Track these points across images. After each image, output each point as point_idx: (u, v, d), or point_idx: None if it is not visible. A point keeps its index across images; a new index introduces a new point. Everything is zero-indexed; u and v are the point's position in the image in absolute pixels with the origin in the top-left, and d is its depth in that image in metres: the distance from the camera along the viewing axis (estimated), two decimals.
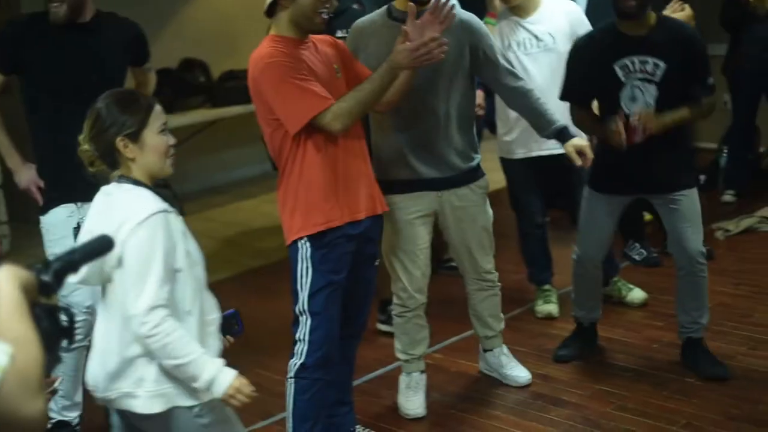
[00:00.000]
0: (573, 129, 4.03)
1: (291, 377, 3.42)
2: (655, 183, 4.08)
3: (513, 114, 4.50)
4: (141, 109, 2.59)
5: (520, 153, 4.77)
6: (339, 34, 4.89)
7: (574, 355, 4.47)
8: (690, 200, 4.07)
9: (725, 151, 7.10)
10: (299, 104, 3.17)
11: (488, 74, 3.91)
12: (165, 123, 2.65)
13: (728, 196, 6.86)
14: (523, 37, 4.61)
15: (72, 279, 2.36)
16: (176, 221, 2.58)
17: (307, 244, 3.32)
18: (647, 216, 5.96)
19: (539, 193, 4.91)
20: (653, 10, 3.97)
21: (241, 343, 4.97)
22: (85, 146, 2.61)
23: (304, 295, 3.34)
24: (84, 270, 2.25)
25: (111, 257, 2.43)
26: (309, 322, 3.36)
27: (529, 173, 4.82)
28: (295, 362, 3.40)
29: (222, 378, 2.52)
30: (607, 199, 4.16)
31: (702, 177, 7.06)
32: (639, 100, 3.93)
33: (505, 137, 4.79)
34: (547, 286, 5.05)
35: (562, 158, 4.20)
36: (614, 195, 4.16)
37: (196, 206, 8.11)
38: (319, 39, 3.44)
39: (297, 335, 3.39)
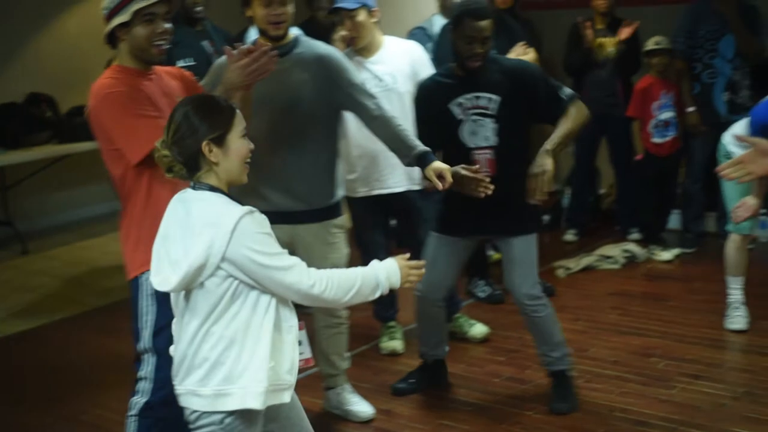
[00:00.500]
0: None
1: (133, 415, 3.32)
2: (497, 227, 4.20)
3: (355, 152, 4.57)
4: (225, 113, 2.64)
5: (361, 191, 4.82)
6: (180, 63, 4.87)
7: (412, 389, 4.52)
8: (526, 245, 4.20)
9: (567, 192, 7.35)
10: (139, 135, 3.12)
11: (350, 105, 3.96)
12: (245, 128, 2.68)
13: (570, 236, 7.09)
14: (365, 77, 4.68)
15: (163, 288, 2.60)
16: (261, 217, 2.64)
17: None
18: (495, 255, 6.14)
19: (382, 231, 4.97)
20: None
21: (78, 381, 4.93)
22: (165, 151, 2.62)
23: (147, 333, 3.26)
24: (176, 281, 2.55)
25: (208, 267, 2.54)
26: (153, 360, 3.28)
27: (371, 211, 4.88)
28: (139, 400, 3.31)
29: (391, 273, 2.74)
30: (452, 241, 4.25)
31: (546, 217, 7.31)
32: (479, 135, 4.05)
33: (348, 176, 4.84)
34: (392, 323, 5.10)
35: (404, 196, 4.28)
36: (459, 237, 4.26)
37: (40, 244, 7.91)
38: (165, 70, 3.42)
39: (140, 373, 3.31)
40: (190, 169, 2.64)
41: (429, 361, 4.54)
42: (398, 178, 4.71)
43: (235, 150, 2.64)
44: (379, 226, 4.94)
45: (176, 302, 2.72)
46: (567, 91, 4.16)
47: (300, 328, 2.82)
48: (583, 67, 6.85)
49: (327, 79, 3.85)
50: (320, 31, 5.19)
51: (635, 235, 6.88)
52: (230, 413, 2.61)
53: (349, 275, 2.69)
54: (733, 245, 5.14)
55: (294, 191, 3.88)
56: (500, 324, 5.27)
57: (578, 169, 7.16)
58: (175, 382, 2.73)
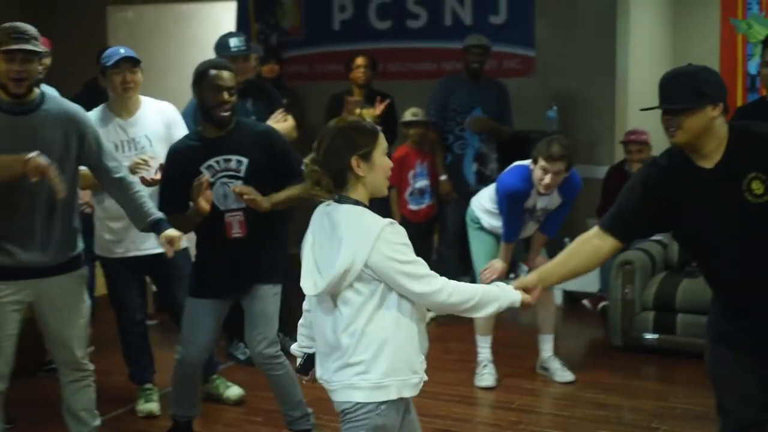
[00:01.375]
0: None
1: None
2: (245, 283, 4.27)
3: (113, 213, 4.55)
4: (370, 132, 2.92)
5: (118, 252, 4.79)
6: None
7: None
8: (269, 298, 4.31)
9: None
10: None
11: (93, 163, 3.93)
12: (386, 147, 2.96)
13: None
14: (121, 139, 4.68)
15: (311, 292, 2.87)
16: (401, 229, 2.88)
17: None
18: None
19: (138, 291, 4.94)
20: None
21: None
22: (314, 167, 2.89)
23: None
24: (323, 285, 2.82)
25: (352, 272, 2.79)
26: None
27: (128, 272, 4.84)
28: None
29: (510, 290, 3.01)
30: (208, 303, 4.29)
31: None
32: (230, 197, 4.12)
33: (105, 236, 4.79)
34: (148, 385, 5.03)
35: (160, 258, 4.28)
36: (213, 299, 4.29)
37: None
38: None
39: None
40: (337, 183, 2.89)
41: (182, 422, 4.50)
42: (154, 240, 4.70)
43: (380, 165, 2.91)
44: (134, 286, 4.91)
45: (318, 303, 2.94)
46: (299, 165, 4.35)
47: None
48: None
49: (76, 135, 3.83)
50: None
51: None
52: (384, 402, 2.88)
53: (471, 287, 2.95)
54: None
55: (47, 248, 3.81)
56: (259, 385, 5.26)
57: None
58: (323, 376, 2.97)
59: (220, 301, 4.32)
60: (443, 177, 6.86)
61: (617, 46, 7.46)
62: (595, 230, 3.29)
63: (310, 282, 2.89)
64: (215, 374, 5.16)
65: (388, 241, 2.80)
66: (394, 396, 2.89)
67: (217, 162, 4.15)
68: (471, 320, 5.47)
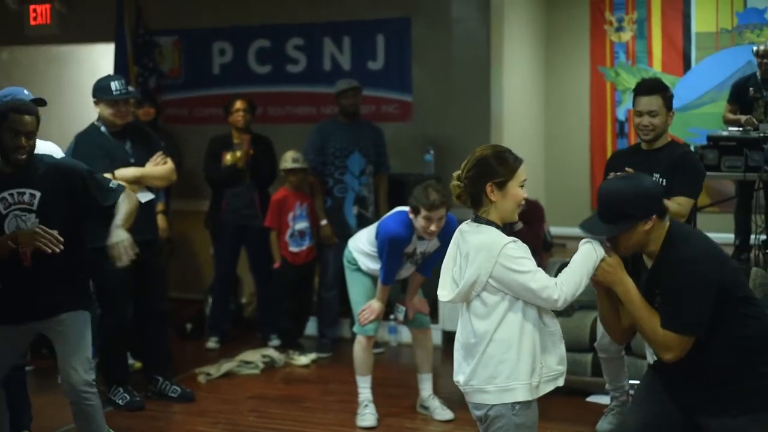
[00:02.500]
0: None
1: None
2: (49, 310, 4.27)
3: None
4: (511, 165, 3.24)
5: None
6: None
7: None
8: (80, 325, 4.31)
9: (210, 300, 7.48)
10: None
11: None
12: (525, 180, 3.27)
13: (212, 343, 7.19)
14: None
15: (445, 300, 3.31)
16: (524, 245, 3.23)
17: None
18: (136, 364, 6.16)
19: None
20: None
21: None
22: (458, 182, 3.28)
23: None
24: (454, 295, 3.25)
25: (479, 283, 3.18)
26: None
27: None
28: None
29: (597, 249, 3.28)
30: (7, 329, 4.29)
31: (189, 325, 7.40)
32: (22, 229, 4.18)
33: None
34: None
35: None
36: (12, 326, 4.29)
37: None
38: None
39: None
40: (473, 202, 3.26)
41: None
42: None
43: (512, 195, 3.23)
44: None
45: (462, 310, 3.31)
46: (115, 183, 4.49)
47: None
48: (223, 179, 7.07)
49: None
50: None
51: (275, 342, 7.11)
52: (517, 403, 3.17)
53: (575, 271, 3.22)
54: (359, 346, 5.47)
55: None
56: (140, 430, 5.25)
57: (219, 278, 7.32)
58: (459, 379, 3.32)
59: (18, 327, 4.31)
60: (323, 222, 6.93)
61: (491, 91, 7.68)
62: None
63: (445, 292, 3.30)
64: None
65: (508, 256, 3.14)
66: (520, 398, 3.18)
67: (11, 195, 4.21)
68: (351, 361, 5.54)
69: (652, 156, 4.84)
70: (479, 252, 3.17)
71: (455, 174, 3.30)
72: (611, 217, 3.27)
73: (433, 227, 5.03)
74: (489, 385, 3.21)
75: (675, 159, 4.78)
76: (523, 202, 3.31)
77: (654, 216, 3.27)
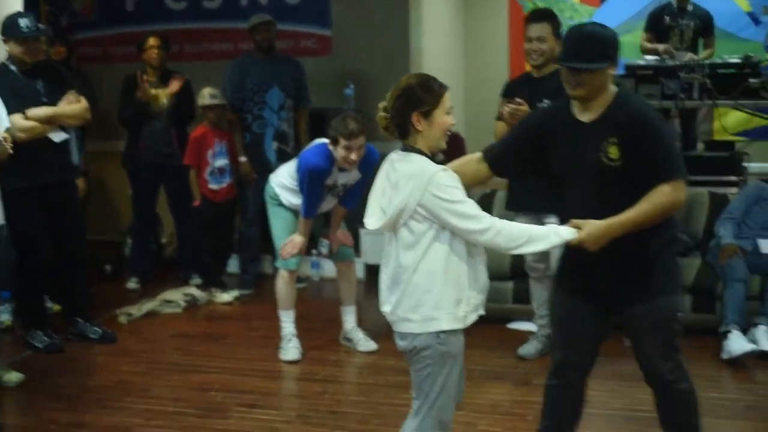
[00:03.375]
0: None
1: None
2: None
3: None
4: (436, 93, 3.18)
5: None
6: None
7: None
8: None
9: (129, 241, 7.38)
10: None
11: None
12: (451, 107, 3.21)
13: (132, 283, 7.13)
14: None
15: (372, 227, 3.21)
16: (454, 174, 3.17)
17: None
18: (55, 307, 6.08)
19: None
20: None
21: None
22: (384, 113, 3.19)
23: None
24: (382, 222, 3.19)
25: (407, 211, 3.12)
26: None
27: None
28: None
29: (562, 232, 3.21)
30: None
31: (108, 267, 7.32)
32: None
33: None
34: None
35: None
36: None
37: None
38: None
39: None
40: (401, 132, 3.19)
41: None
42: None
43: (439, 123, 3.18)
44: None
45: (389, 239, 3.25)
46: None
47: None
48: (139, 118, 6.95)
49: None
50: None
51: (196, 280, 7.06)
52: (442, 332, 3.15)
53: (520, 227, 3.22)
54: (282, 280, 5.46)
55: None
56: (61, 371, 5.20)
57: (138, 219, 7.23)
58: (385, 309, 3.29)
59: None
60: (242, 158, 6.86)
61: (411, 25, 7.64)
62: (477, 155, 3.56)
63: (372, 219, 3.25)
64: None
65: (438, 184, 3.09)
66: (445, 327, 3.16)
67: None
68: (274, 297, 5.53)
69: (540, 83, 4.96)
70: (409, 180, 3.13)
71: (381, 105, 3.25)
72: (595, 56, 3.25)
73: (353, 156, 5.01)
74: (414, 314, 3.19)
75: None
76: (450, 130, 3.27)
77: (615, 65, 3.33)
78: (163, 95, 6.89)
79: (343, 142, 4.99)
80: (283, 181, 5.43)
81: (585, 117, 3.33)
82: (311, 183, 5.17)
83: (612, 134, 3.25)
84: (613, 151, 3.25)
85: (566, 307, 3.51)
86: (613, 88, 3.33)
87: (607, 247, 3.22)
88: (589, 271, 3.35)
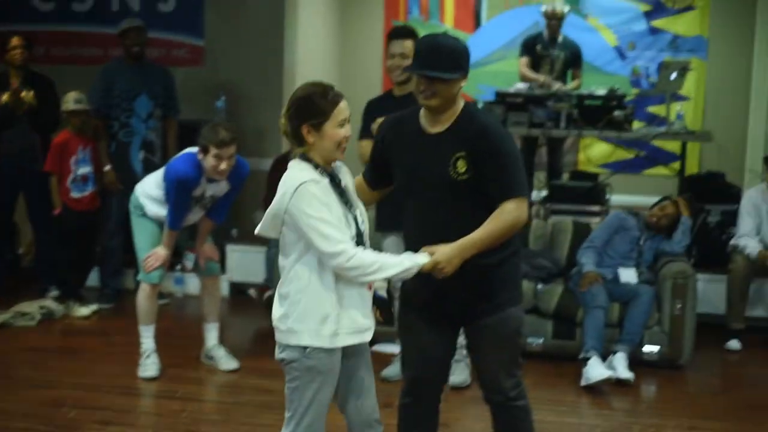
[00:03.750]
0: None
1: None
2: None
3: None
4: (324, 106, 3.12)
5: None
6: None
7: None
8: None
9: None
10: None
11: None
12: (345, 118, 3.16)
13: None
14: None
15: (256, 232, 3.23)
16: (325, 188, 3.12)
17: None
18: None
19: None
20: None
21: None
22: (283, 120, 3.18)
23: None
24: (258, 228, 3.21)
25: (278, 216, 3.12)
26: None
27: None
28: None
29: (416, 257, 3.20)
30: None
31: None
32: None
33: None
34: None
35: None
36: None
37: None
38: None
39: None
40: (296, 142, 3.18)
41: None
42: None
43: (330, 136, 3.13)
44: None
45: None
46: None
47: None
48: (2, 122, 6.68)
49: None
50: None
51: (54, 292, 6.80)
52: (309, 347, 3.12)
53: (373, 256, 3.14)
54: (143, 294, 5.31)
55: None
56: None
57: None
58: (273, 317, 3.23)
59: None
60: (107, 167, 6.67)
61: (285, 39, 7.61)
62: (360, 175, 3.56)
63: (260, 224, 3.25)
64: None
65: (304, 194, 3.06)
66: (305, 342, 3.11)
67: None
68: (135, 312, 5.38)
69: (401, 102, 4.79)
70: (282, 186, 3.11)
71: (284, 110, 3.21)
72: (449, 66, 3.24)
73: (223, 166, 4.93)
74: (282, 324, 3.15)
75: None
76: (345, 142, 3.21)
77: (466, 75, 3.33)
78: (27, 98, 6.64)
79: (213, 150, 4.90)
80: (149, 190, 5.28)
81: (433, 129, 3.33)
82: (178, 193, 5.05)
83: (459, 148, 3.26)
84: (461, 165, 3.26)
85: (414, 323, 3.49)
86: (461, 102, 3.34)
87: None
88: (434, 285, 3.32)
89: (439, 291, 3.35)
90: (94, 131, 6.70)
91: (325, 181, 3.15)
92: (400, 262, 3.17)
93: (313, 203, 3.06)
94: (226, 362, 5.45)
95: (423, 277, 3.26)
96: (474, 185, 3.25)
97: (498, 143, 3.27)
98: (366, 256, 3.12)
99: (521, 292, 3.55)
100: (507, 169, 3.26)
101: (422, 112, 3.36)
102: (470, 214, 3.25)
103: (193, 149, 5.10)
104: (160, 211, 5.22)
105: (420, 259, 3.19)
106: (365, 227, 3.27)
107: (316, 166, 3.16)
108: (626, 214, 6.08)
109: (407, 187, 3.39)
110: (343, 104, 3.18)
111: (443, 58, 3.24)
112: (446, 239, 3.23)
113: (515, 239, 3.42)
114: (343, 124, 3.17)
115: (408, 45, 4.88)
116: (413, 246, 3.31)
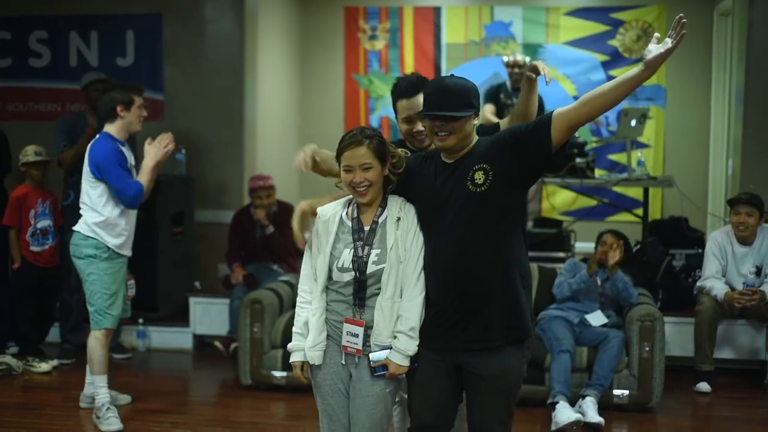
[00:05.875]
0: None
1: None
2: None
3: None
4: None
5: None
6: None
7: None
8: None
9: None
10: None
11: None
12: (361, 163, 3.36)
13: None
14: None
15: None
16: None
17: None
18: None
19: None
20: None
21: None
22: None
23: None
24: None
25: None
26: None
27: None
28: None
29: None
30: None
31: None
32: None
33: None
34: None
35: None
36: None
37: None
38: None
39: None
40: None
41: None
42: None
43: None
44: None
45: None
46: None
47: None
48: None
49: None
50: None
51: (13, 349, 6.65)
52: None
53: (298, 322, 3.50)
54: (96, 342, 5.16)
55: None
56: None
57: None
58: None
59: None
60: None
61: (245, 92, 7.59)
62: None
63: None
64: None
65: None
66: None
67: None
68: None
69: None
70: None
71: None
72: (461, 104, 3.29)
73: (145, 113, 5.44)
74: None
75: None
76: (360, 184, 3.36)
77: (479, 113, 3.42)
78: None
79: (138, 101, 5.26)
80: (93, 219, 5.15)
81: (450, 160, 3.39)
82: (111, 166, 5.12)
83: (477, 163, 3.32)
84: (479, 176, 3.30)
85: (422, 368, 3.43)
86: (475, 137, 3.41)
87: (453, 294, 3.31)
88: (438, 323, 3.34)
89: (444, 320, 3.36)
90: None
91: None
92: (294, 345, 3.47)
93: None
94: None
95: (434, 306, 3.35)
96: (493, 197, 3.29)
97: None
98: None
99: (532, 322, 3.51)
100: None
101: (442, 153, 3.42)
102: (493, 226, 3.30)
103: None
104: (114, 239, 5.16)
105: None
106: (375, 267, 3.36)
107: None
108: (578, 260, 6.17)
109: (427, 214, 3.40)
110: (352, 152, 3.36)
111: (453, 98, 3.30)
112: (473, 254, 3.29)
113: (525, 259, 3.47)
114: (349, 168, 3.36)
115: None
116: (442, 274, 3.33)
